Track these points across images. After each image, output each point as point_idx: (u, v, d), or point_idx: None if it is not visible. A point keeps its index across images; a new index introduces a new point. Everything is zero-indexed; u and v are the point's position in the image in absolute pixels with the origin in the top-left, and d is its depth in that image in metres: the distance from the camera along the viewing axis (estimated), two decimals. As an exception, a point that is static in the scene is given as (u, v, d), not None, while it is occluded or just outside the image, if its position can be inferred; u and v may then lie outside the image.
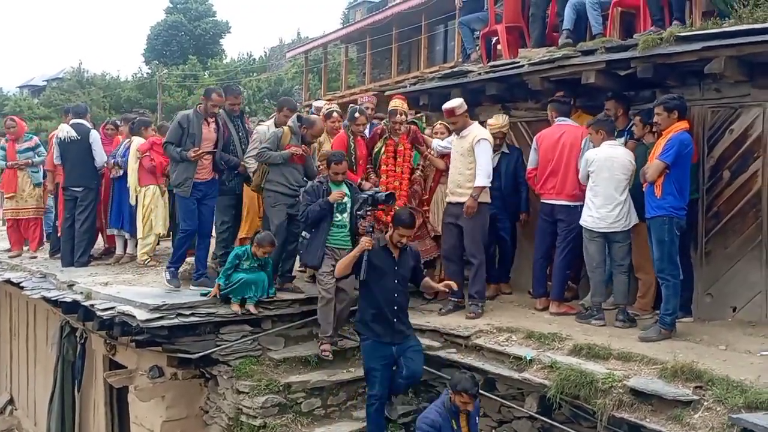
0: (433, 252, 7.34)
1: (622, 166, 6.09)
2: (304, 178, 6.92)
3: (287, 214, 6.84)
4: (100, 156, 8.73)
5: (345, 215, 6.40)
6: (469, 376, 5.22)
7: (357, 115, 7.36)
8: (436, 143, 7.40)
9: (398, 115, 7.27)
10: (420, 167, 7.56)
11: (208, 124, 6.89)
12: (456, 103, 6.82)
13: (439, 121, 7.82)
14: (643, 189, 5.82)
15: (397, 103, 7.43)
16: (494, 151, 7.04)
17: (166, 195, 8.59)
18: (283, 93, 36.37)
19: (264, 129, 7.27)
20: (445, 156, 7.28)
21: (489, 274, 7.32)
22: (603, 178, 6.10)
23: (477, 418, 5.41)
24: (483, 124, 7.25)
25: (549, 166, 6.70)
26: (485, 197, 6.75)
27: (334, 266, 6.06)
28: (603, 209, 6.11)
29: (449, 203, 6.94)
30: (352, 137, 7.35)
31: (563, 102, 6.91)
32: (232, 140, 7.33)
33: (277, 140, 6.83)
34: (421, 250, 7.04)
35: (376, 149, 7.44)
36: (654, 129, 6.08)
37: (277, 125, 7.26)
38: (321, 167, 7.31)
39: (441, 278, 7.14)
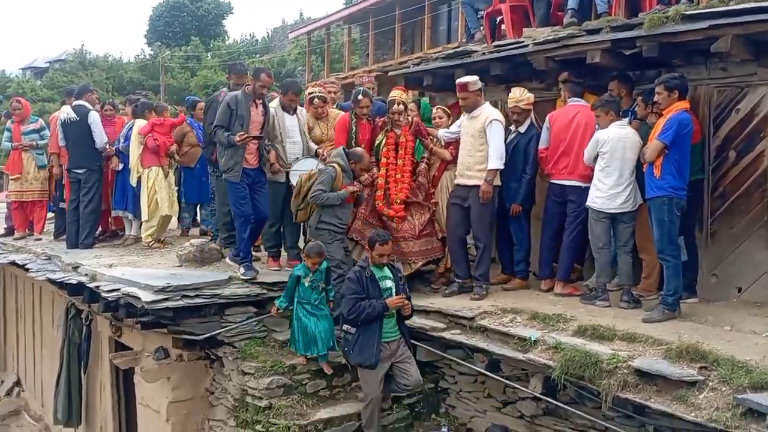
0: (439, 252, 7.14)
1: (633, 146, 6.06)
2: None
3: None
4: (100, 137, 8.74)
5: None
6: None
7: (360, 97, 7.22)
8: (441, 132, 7.23)
9: (396, 105, 7.09)
10: (425, 159, 7.37)
11: (257, 106, 6.72)
12: (471, 78, 6.73)
13: (438, 106, 7.71)
14: (644, 169, 5.80)
15: (396, 94, 7.26)
16: (511, 127, 6.97)
17: (171, 176, 8.59)
18: (286, 74, 36.20)
19: (271, 112, 7.09)
20: (451, 145, 7.17)
21: (504, 265, 7.31)
22: (615, 159, 6.05)
23: None
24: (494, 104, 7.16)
25: (561, 146, 6.62)
26: (496, 180, 6.64)
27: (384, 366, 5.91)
28: (613, 190, 6.08)
29: (458, 185, 6.84)
30: (355, 120, 7.25)
31: (577, 83, 6.83)
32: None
33: (332, 181, 6.53)
34: (427, 248, 7.05)
35: (377, 142, 7.27)
36: (654, 109, 6.05)
37: (283, 107, 7.15)
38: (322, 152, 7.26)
39: (446, 265, 7.13)
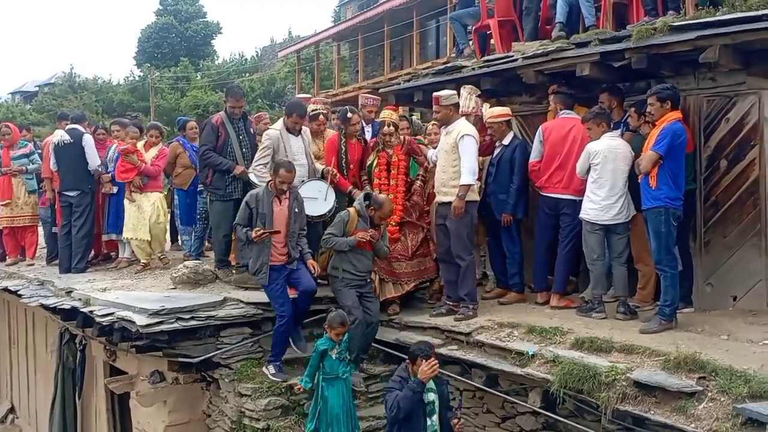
0: (432, 272, 7.08)
1: (625, 157, 6.09)
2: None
3: (358, 293, 6.40)
4: (93, 159, 8.72)
5: (435, 418, 5.34)
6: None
7: (349, 115, 7.20)
8: (431, 153, 7.11)
9: (386, 126, 7.05)
10: (420, 176, 7.29)
11: (280, 201, 6.29)
12: (444, 93, 6.65)
13: (431, 122, 7.63)
14: (639, 180, 5.81)
15: (386, 114, 7.22)
16: (491, 143, 6.96)
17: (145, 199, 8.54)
18: (275, 93, 36.33)
19: (275, 134, 6.91)
20: None
21: (498, 278, 7.29)
22: (608, 170, 6.07)
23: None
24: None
25: (557, 160, 6.62)
26: (473, 195, 6.52)
27: None
28: (606, 201, 6.09)
29: (437, 203, 6.76)
30: (344, 140, 7.22)
31: (568, 94, 6.85)
32: (229, 142, 7.23)
33: (343, 225, 6.34)
34: (421, 269, 6.99)
35: (369, 161, 7.24)
36: (648, 120, 6.08)
37: (288, 129, 6.93)
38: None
39: (440, 284, 7.08)
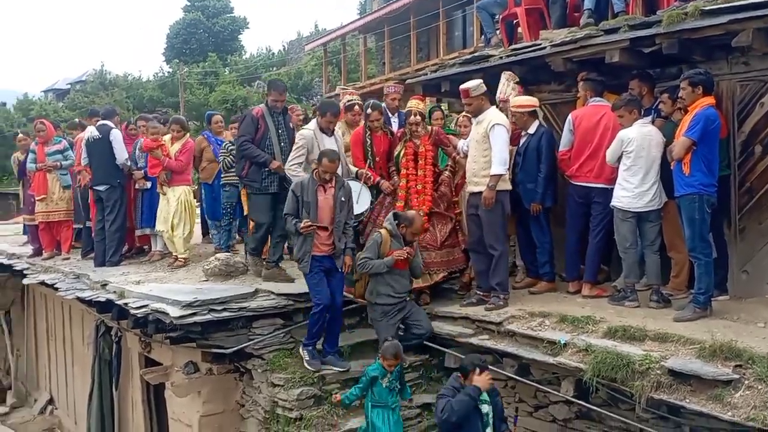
0: (461, 263, 7.08)
1: (658, 144, 6.02)
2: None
3: (400, 321, 6.41)
4: (120, 153, 8.86)
5: (489, 431, 5.26)
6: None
7: (369, 110, 7.22)
8: (461, 144, 7.09)
9: (413, 116, 7.03)
10: (448, 167, 7.28)
11: (325, 190, 6.25)
12: (472, 84, 6.59)
13: (462, 113, 7.57)
14: (671, 167, 5.74)
15: (413, 104, 7.19)
16: (518, 132, 6.91)
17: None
18: (303, 86, 36.44)
19: (309, 133, 6.84)
20: None
21: (529, 268, 7.25)
22: (641, 157, 6.00)
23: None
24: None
25: (588, 149, 6.55)
26: (504, 185, 6.49)
27: None
28: (639, 188, 6.03)
29: (469, 194, 6.75)
30: (369, 132, 7.24)
31: (597, 81, 6.77)
32: (268, 135, 7.18)
33: (377, 247, 6.29)
34: (449, 259, 6.97)
35: (396, 152, 7.23)
36: (680, 105, 6.00)
37: (321, 129, 6.85)
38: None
39: (470, 276, 7.07)
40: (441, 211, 7.05)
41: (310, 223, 6.06)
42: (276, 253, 7.35)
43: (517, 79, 7.26)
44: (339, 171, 6.61)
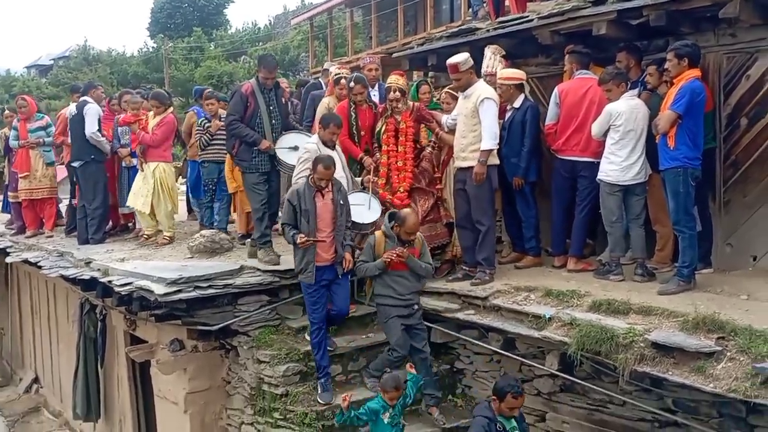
0: (444, 237, 7.00)
1: (644, 117, 5.99)
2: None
3: (404, 326, 6.05)
4: (89, 126, 8.63)
5: None
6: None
7: (352, 84, 7.14)
8: (445, 119, 6.98)
9: (392, 92, 6.89)
10: (432, 143, 7.14)
11: (323, 195, 5.99)
12: (460, 58, 6.47)
13: (445, 89, 7.45)
14: (656, 140, 5.72)
15: (392, 79, 7.02)
16: (504, 106, 6.83)
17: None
18: (289, 61, 36.14)
19: (313, 147, 6.44)
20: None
21: (514, 242, 7.23)
22: (630, 131, 5.98)
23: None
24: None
25: (574, 123, 6.51)
26: (493, 159, 6.42)
27: None
28: (626, 162, 6.01)
29: (457, 169, 6.67)
30: (354, 106, 7.15)
31: (583, 53, 6.70)
32: (258, 113, 6.96)
33: (371, 249, 6.06)
34: (431, 234, 6.86)
35: (377, 128, 7.12)
36: (666, 78, 5.96)
37: (324, 142, 6.47)
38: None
39: (454, 254, 7.02)
40: (422, 187, 6.95)
41: (307, 239, 5.81)
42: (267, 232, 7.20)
43: (504, 53, 7.18)
44: (344, 184, 6.41)
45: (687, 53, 5.51)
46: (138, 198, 8.38)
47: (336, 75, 7.75)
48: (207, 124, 8.36)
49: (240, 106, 6.95)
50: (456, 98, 6.95)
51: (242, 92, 7.01)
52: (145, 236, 8.54)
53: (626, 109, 5.99)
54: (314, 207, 5.92)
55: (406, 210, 6.20)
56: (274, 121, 7.05)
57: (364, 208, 6.63)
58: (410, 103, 7.10)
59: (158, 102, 8.57)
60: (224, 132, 8.10)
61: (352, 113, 7.15)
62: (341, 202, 6.07)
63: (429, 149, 7.12)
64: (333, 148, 6.55)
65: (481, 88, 6.46)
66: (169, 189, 8.46)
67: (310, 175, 6.02)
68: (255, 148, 6.94)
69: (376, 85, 8.01)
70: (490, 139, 6.29)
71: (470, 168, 6.40)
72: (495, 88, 6.77)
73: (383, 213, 6.55)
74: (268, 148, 6.93)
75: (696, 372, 4.46)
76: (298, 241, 5.82)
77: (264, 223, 7.07)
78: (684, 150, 5.50)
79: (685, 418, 4.86)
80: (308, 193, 5.93)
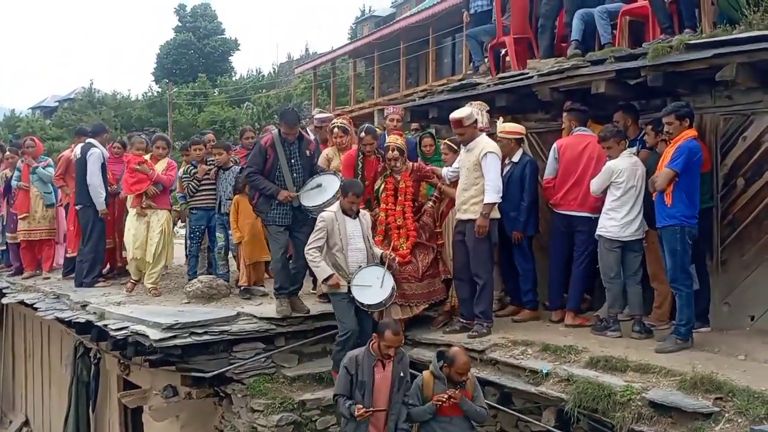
0: (441, 294, 6.93)
1: (643, 174, 6.07)
2: None
3: None
4: (90, 174, 8.59)
5: None
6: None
7: (362, 134, 7.18)
8: (446, 171, 7.01)
9: (391, 152, 6.90)
10: (433, 198, 7.14)
11: (384, 367, 5.44)
12: (464, 112, 6.50)
13: (444, 141, 7.40)
14: (653, 198, 5.78)
15: (391, 139, 7.04)
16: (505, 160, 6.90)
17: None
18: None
19: (329, 216, 6.27)
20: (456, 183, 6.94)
21: (512, 296, 7.23)
22: (630, 188, 6.05)
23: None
24: (492, 136, 7.11)
25: (572, 177, 6.58)
26: (494, 213, 6.43)
27: None
28: (626, 218, 6.05)
29: (458, 220, 6.68)
30: (362, 156, 7.17)
31: (582, 110, 6.82)
32: (278, 166, 6.74)
33: (419, 391, 5.40)
34: (430, 290, 6.85)
35: (376, 187, 7.12)
36: (664, 138, 6.05)
37: (344, 211, 6.30)
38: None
39: (453, 304, 6.98)
40: (423, 242, 6.93)
41: (364, 410, 5.27)
42: (294, 284, 6.96)
43: (488, 108, 7.28)
44: (363, 256, 6.31)
45: (686, 113, 5.62)
46: (141, 248, 8.09)
47: (333, 124, 7.76)
48: (193, 170, 8.29)
49: (259, 158, 6.79)
50: (454, 150, 7.00)
51: (261, 144, 6.89)
52: (133, 282, 8.24)
53: (627, 166, 6.06)
54: (372, 380, 5.39)
55: (456, 349, 5.47)
56: (295, 174, 6.78)
57: (374, 287, 6.22)
58: (409, 163, 7.09)
59: (165, 144, 8.57)
60: (211, 178, 8.24)
61: (359, 162, 7.16)
62: (401, 374, 5.49)
63: (430, 203, 7.12)
64: (354, 217, 6.36)
65: (484, 142, 6.49)
66: (168, 241, 8.32)
67: (373, 341, 5.47)
68: (274, 200, 6.72)
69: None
70: (493, 193, 6.32)
71: (470, 220, 6.42)
72: None
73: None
74: (286, 198, 6.66)
75: (694, 433, 4.43)
76: (357, 413, 5.25)
77: (283, 274, 6.82)
78: (681, 208, 5.55)
79: (683, 480, 4.80)
80: (368, 363, 5.41)
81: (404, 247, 6.80)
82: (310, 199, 6.72)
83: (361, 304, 6.12)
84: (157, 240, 8.07)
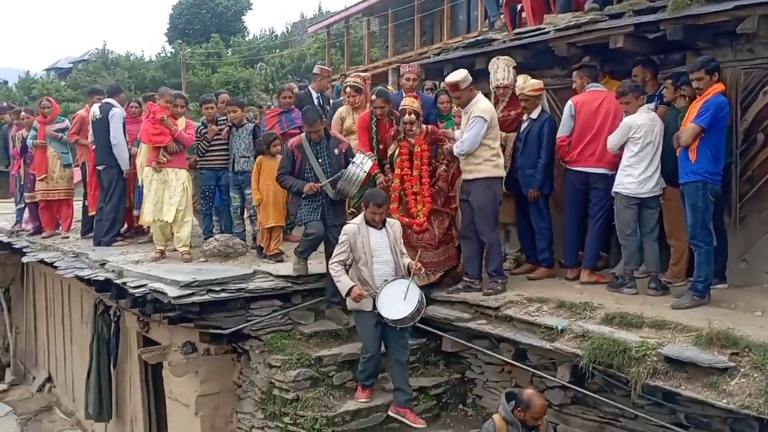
0: (454, 261, 6.89)
1: (661, 130, 6.00)
2: None
3: None
4: (113, 133, 8.63)
5: None
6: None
7: (374, 97, 7.09)
8: (458, 135, 6.85)
9: (407, 115, 6.77)
10: (445, 161, 7.03)
11: None
12: (459, 76, 6.41)
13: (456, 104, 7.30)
14: (677, 154, 5.71)
15: (407, 102, 6.92)
16: (516, 118, 6.92)
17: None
18: (306, 69, 36.25)
19: (352, 228, 5.99)
20: None
21: (528, 253, 7.24)
22: (648, 143, 5.98)
23: None
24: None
25: (589, 134, 6.51)
26: (497, 171, 6.44)
27: None
28: (644, 174, 6.00)
29: (463, 180, 6.68)
30: (375, 119, 7.10)
31: (593, 66, 6.74)
32: (308, 166, 6.66)
33: None
34: (445, 257, 6.83)
35: (390, 152, 7.00)
36: (685, 93, 5.96)
37: (368, 222, 5.99)
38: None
39: (459, 269, 6.95)
40: (438, 208, 6.89)
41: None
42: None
43: (515, 64, 7.18)
44: (390, 269, 5.97)
45: (715, 67, 5.53)
46: (160, 210, 7.78)
47: (345, 83, 7.72)
48: (204, 130, 8.23)
49: (287, 161, 6.75)
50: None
51: (288, 147, 6.82)
52: (159, 252, 7.82)
53: (645, 121, 5.99)
54: None
55: (530, 391, 5.06)
56: (327, 172, 6.67)
57: (398, 299, 5.81)
58: (423, 126, 6.98)
59: (184, 102, 8.32)
60: (222, 138, 8.21)
61: (373, 126, 7.11)
62: None
63: (443, 167, 7.02)
64: (380, 227, 6.02)
65: (479, 105, 6.39)
66: (190, 200, 8.11)
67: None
68: (302, 197, 6.64)
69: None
70: (462, 146, 6.38)
71: (475, 180, 6.43)
72: (502, 100, 6.90)
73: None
74: (311, 189, 6.56)
75: (709, 387, 4.44)
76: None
77: (309, 245, 6.72)
78: (705, 164, 5.49)
79: (697, 433, 4.84)
80: None
81: (421, 215, 6.73)
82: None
83: (387, 319, 5.78)
84: (179, 199, 7.82)
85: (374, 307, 5.83)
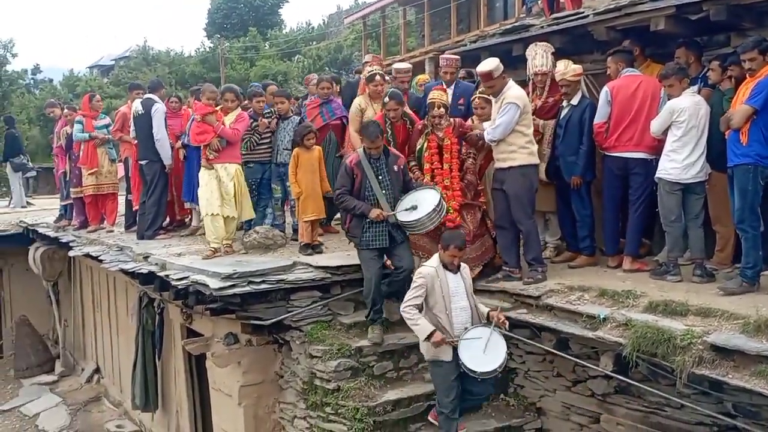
0: (491, 252, 6.81)
1: (707, 113, 5.86)
2: None
3: None
4: (156, 128, 8.76)
5: None
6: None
7: (386, 99, 6.97)
8: (486, 125, 6.76)
9: (436, 109, 6.68)
10: (472, 155, 6.92)
11: None
12: (492, 65, 6.33)
13: (476, 96, 7.17)
14: (726, 136, 5.56)
15: (435, 95, 6.82)
16: (554, 105, 6.83)
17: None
18: (342, 60, 36.33)
19: (429, 271, 5.58)
20: None
21: (569, 242, 7.15)
22: (692, 128, 5.85)
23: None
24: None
25: (627, 118, 6.39)
26: (532, 159, 6.38)
27: None
28: (688, 160, 5.88)
29: (496, 169, 6.61)
30: (389, 122, 6.97)
31: (627, 51, 6.61)
32: (367, 184, 6.36)
33: None
34: (482, 251, 6.76)
35: (418, 146, 6.90)
36: (733, 74, 5.80)
37: (444, 265, 5.59)
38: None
39: (497, 261, 6.87)
40: (469, 201, 6.79)
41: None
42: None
43: (553, 50, 7.08)
44: (467, 316, 5.60)
45: None
46: (220, 205, 7.51)
47: (370, 72, 7.56)
48: (254, 124, 8.16)
49: (346, 179, 6.43)
50: (489, 102, 6.83)
51: (347, 165, 6.49)
52: (212, 250, 7.45)
53: (689, 105, 5.85)
54: None
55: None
56: (386, 191, 6.38)
57: (481, 349, 5.43)
58: (451, 119, 6.88)
59: (234, 95, 7.98)
60: (272, 130, 8.23)
61: (388, 129, 6.98)
62: None
63: (471, 160, 6.90)
64: (456, 271, 5.65)
65: (511, 92, 6.34)
66: (243, 193, 7.85)
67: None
68: (366, 220, 6.33)
69: (453, 85, 7.89)
70: (495, 132, 6.34)
71: (510, 168, 6.37)
72: (541, 87, 6.83)
73: None
74: (379, 217, 6.25)
75: (757, 376, 4.33)
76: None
77: (371, 300, 6.39)
78: (756, 147, 5.34)
79: (746, 422, 4.71)
80: None
81: (451, 210, 6.58)
82: (406, 214, 6.24)
83: (471, 371, 5.40)
84: (232, 193, 7.58)
85: (454, 356, 5.49)
